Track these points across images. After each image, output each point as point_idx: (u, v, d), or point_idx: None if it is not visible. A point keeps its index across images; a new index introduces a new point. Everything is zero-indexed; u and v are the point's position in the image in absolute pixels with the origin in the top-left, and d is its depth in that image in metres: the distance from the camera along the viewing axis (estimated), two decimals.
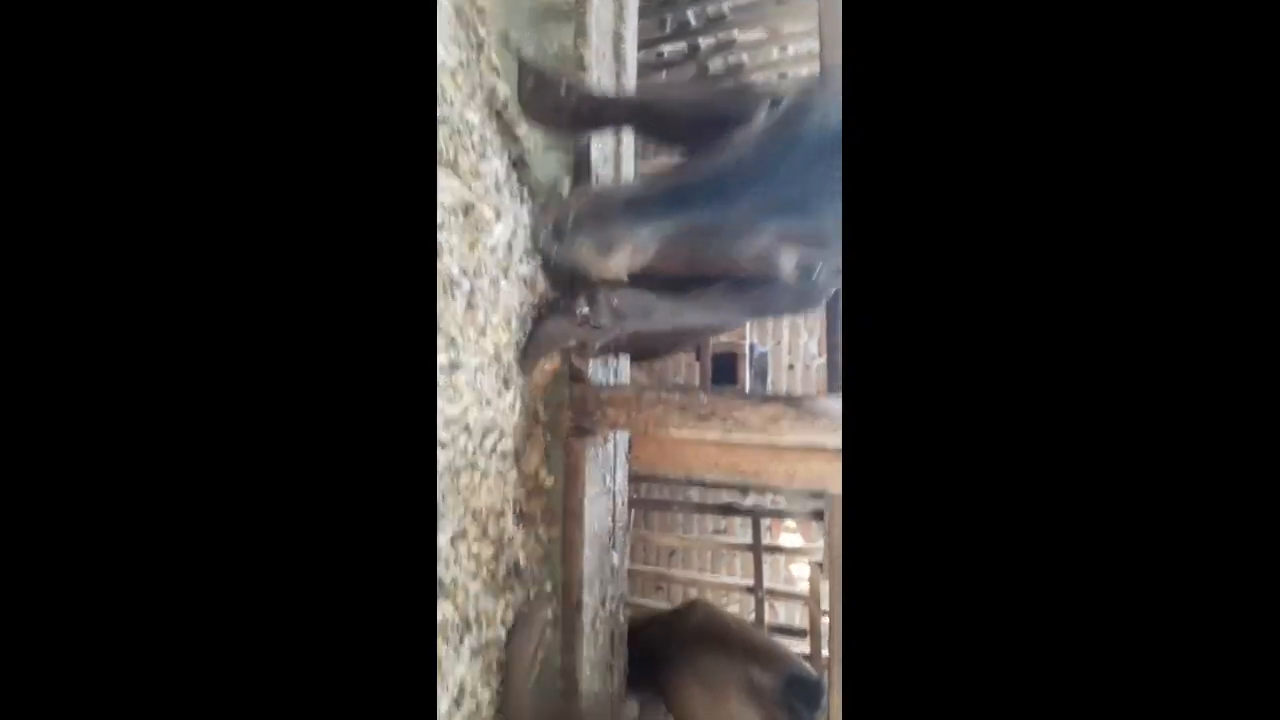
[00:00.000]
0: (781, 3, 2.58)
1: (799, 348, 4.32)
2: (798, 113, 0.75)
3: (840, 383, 1.07)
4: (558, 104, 0.95)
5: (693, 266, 0.86)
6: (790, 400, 0.96)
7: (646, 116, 0.95)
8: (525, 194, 1.04)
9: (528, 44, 1.14)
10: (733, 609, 4.23)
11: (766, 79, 3.00)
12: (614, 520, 1.21)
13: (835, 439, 0.95)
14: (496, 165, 0.96)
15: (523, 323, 0.98)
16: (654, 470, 1.05)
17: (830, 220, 0.74)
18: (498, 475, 0.96)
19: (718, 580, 3.83)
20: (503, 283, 0.93)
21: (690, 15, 2.49)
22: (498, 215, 0.92)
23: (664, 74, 2.98)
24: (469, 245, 0.86)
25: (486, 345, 0.89)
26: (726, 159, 0.75)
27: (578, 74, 1.11)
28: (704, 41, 2.67)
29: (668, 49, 2.77)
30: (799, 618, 3.84)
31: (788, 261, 0.78)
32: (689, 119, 0.87)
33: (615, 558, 1.21)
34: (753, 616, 3.50)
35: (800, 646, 3.31)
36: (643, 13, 2.52)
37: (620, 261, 0.81)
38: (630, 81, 1.27)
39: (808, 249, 0.77)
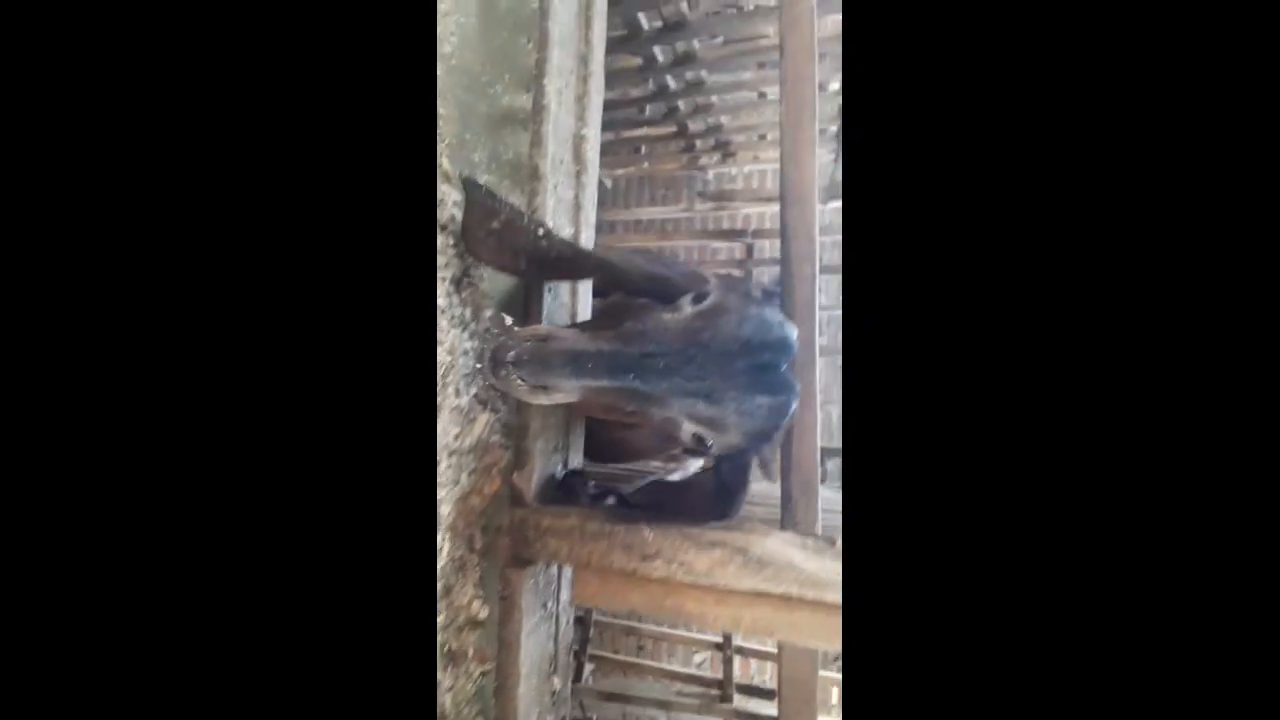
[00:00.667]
0: (762, 66, 2.60)
1: None
2: (715, 314, 0.86)
3: (791, 522, 1.03)
4: (519, 248, 0.94)
5: (608, 413, 0.95)
6: (737, 547, 0.92)
7: (608, 276, 1.02)
8: (468, 315, 0.99)
9: (482, 152, 1.11)
10: (700, 657, 4.12)
11: (748, 139, 3.02)
12: (556, 644, 1.15)
13: (781, 586, 0.91)
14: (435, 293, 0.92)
15: (457, 469, 0.93)
16: (596, 606, 1.00)
17: (731, 413, 0.86)
18: None
19: (687, 635, 3.76)
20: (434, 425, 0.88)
21: (670, 79, 2.50)
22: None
23: (643, 129, 2.99)
24: None
25: None
26: (658, 342, 0.85)
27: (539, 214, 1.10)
28: (684, 103, 2.68)
29: (649, 108, 2.79)
30: (770, 676, 3.76)
31: (686, 432, 0.89)
32: (646, 289, 0.97)
33: (557, 682, 1.15)
34: (721, 674, 3.41)
35: (768, 709, 3.23)
36: (621, 80, 2.52)
37: (548, 399, 0.87)
38: (591, 181, 1.24)
39: (706, 429, 0.89)
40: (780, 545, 0.93)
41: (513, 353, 0.81)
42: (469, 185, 0.94)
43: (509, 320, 1.06)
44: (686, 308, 0.88)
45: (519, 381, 0.82)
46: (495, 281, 1.06)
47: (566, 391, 0.83)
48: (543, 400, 0.87)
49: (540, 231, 0.96)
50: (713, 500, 1.00)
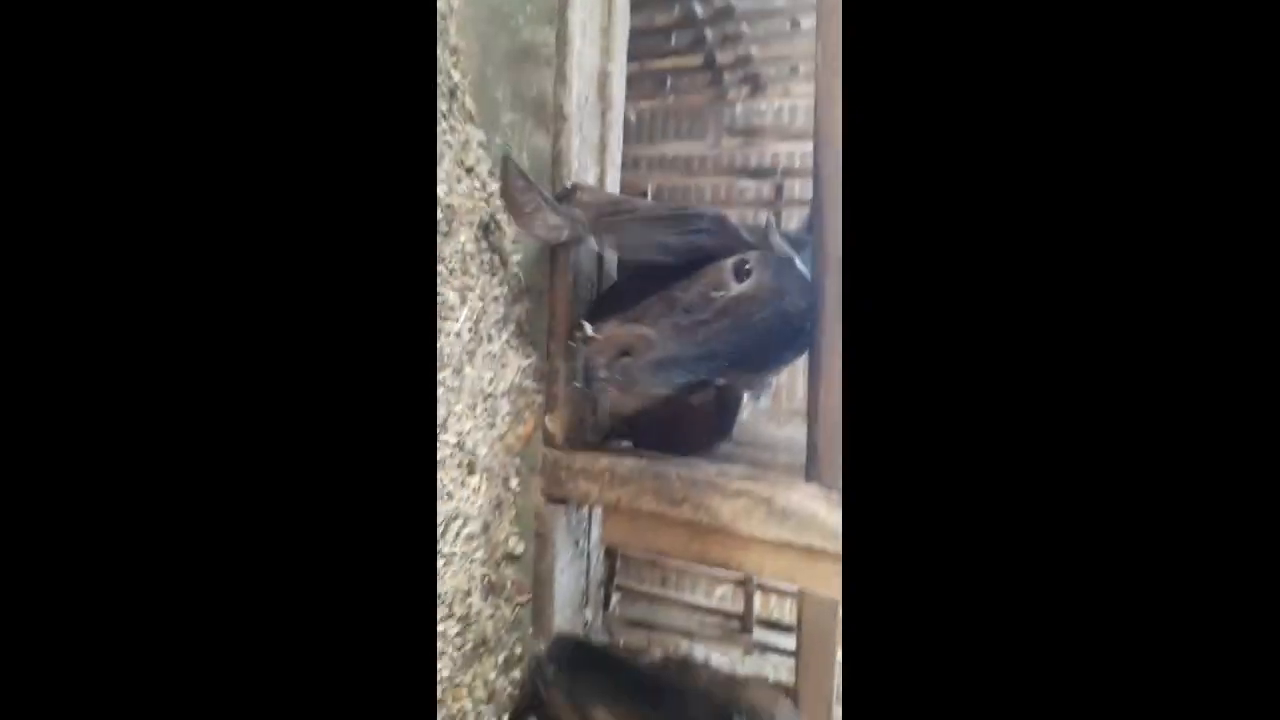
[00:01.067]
0: (797, 17, 2.43)
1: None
2: (758, 296, 0.96)
3: (816, 471, 1.04)
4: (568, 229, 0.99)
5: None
6: (762, 497, 0.93)
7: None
8: (497, 261, 0.99)
9: (504, 88, 1.07)
10: (721, 591, 4.29)
11: (778, 71, 2.86)
12: (588, 579, 1.20)
13: (805, 536, 0.92)
14: (463, 238, 0.91)
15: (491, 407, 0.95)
16: (624, 548, 1.05)
17: (764, 373, 1.06)
18: (463, 557, 0.94)
19: (709, 571, 3.88)
20: (467, 370, 0.89)
21: (697, 6, 2.36)
22: (463, 298, 0.88)
23: (669, 60, 2.85)
24: None
25: (449, 438, 0.86)
26: (720, 339, 0.95)
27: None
28: (711, 32, 2.54)
29: (675, 36, 2.65)
30: (789, 611, 3.90)
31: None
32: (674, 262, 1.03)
33: (589, 614, 1.21)
34: (742, 608, 3.54)
35: (787, 642, 3.36)
36: (646, 6, 2.38)
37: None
38: (617, 119, 1.20)
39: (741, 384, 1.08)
40: (804, 498, 0.94)
41: (604, 371, 0.92)
42: (508, 167, 0.92)
43: (589, 329, 1.04)
44: (732, 285, 0.96)
45: (612, 390, 0.97)
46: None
47: (651, 390, 0.99)
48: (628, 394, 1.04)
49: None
50: (715, 422, 1.18)
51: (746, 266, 0.96)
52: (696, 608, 3.78)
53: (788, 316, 0.95)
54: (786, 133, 3.14)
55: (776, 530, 0.92)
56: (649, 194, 3.35)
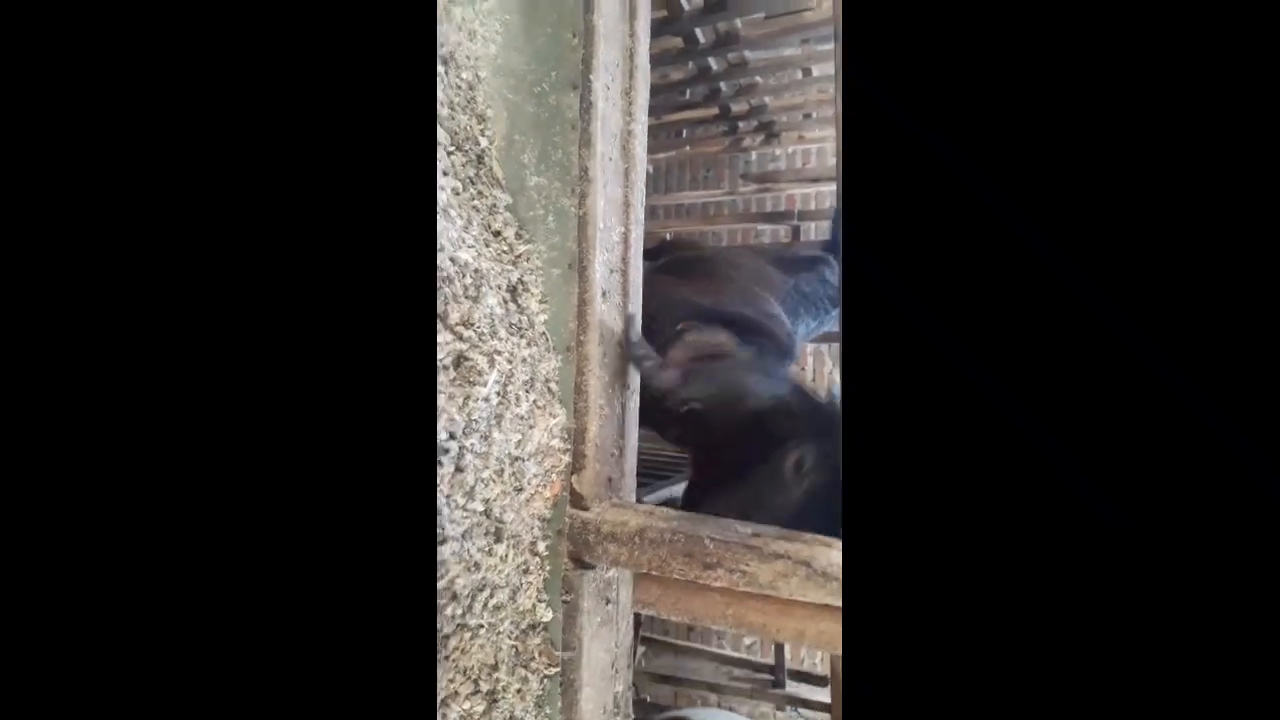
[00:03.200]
0: (806, 41, 2.49)
1: (824, 375, 4.22)
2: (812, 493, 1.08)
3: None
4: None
5: None
6: (801, 559, 0.89)
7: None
8: (525, 321, 0.99)
9: (531, 153, 1.10)
10: (751, 640, 4.12)
11: (791, 118, 2.92)
12: (618, 645, 1.15)
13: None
14: (492, 303, 0.91)
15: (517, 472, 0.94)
16: (656, 612, 1.04)
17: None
18: (490, 628, 0.91)
19: None
20: (495, 434, 0.88)
21: (711, 61, 2.43)
22: (491, 362, 0.88)
23: (684, 113, 2.93)
24: (460, 403, 0.82)
25: (475, 505, 0.85)
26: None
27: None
28: (726, 84, 2.61)
29: (690, 90, 2.72)
30: (822, 661, 3.73)
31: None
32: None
33: (619, 685, 1.16)
34: (773, 659, 3.40)
35: (822, 695, 3.20)
36: (662, 62, 2.46)
37: None
38: (640, 178, 1.22)
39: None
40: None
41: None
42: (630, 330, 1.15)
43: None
44: (790, 484, 1.09)
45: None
46: (550, 288, 1.06)
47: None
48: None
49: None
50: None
51: (803, 468, 1.08)
52: (725, 659, 3.64)
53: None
54: (801, 176, 3.18)
55: (816, 593, 0.88)
56: (666, 238, 3.40)
